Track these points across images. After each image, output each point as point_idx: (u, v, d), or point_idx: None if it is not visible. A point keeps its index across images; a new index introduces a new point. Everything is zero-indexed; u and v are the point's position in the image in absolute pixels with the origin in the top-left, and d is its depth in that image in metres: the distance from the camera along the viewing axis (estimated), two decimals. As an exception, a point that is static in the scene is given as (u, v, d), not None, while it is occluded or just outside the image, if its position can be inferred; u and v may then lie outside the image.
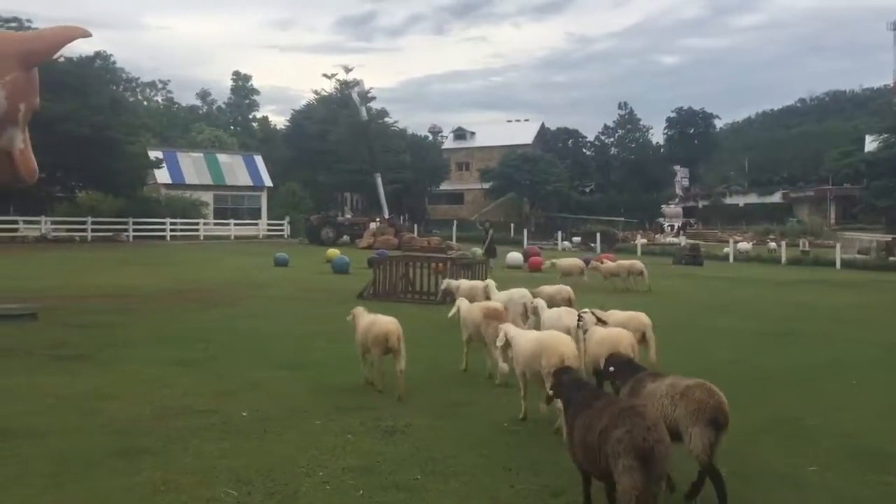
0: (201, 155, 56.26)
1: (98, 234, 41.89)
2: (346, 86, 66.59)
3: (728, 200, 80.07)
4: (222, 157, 56.62)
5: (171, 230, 45.97)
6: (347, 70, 67.34)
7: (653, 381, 5.58)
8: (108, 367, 9.18)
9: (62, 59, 42.11)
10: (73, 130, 38.33)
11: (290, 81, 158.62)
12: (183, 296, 17.20)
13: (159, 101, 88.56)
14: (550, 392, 5.64)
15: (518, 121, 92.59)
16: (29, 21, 43.69)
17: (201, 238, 47.01)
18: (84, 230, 41.76)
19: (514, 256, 31.86)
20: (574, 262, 22.99)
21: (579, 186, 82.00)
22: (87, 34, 14.48)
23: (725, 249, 42.88)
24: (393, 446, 6.49)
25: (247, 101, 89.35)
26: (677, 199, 79.61)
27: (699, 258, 36.48)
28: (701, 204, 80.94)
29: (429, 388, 8.52)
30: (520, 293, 11.51)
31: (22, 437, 6.33)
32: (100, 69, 45.95)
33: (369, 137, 50.29)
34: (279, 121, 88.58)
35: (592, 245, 47.94)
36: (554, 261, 23.13)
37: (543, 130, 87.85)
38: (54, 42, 14.22)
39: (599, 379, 7.06)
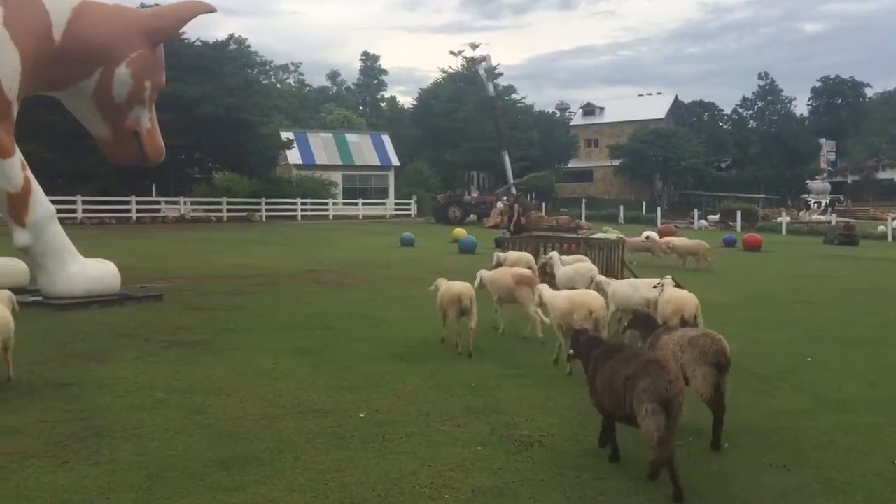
0: (331, 135, 56.91)
1: (233, 213, 42.96)
2: (472, 62, 65.69)
3: (880, 175, 74.14)
4: (351, 137, 57.04)
5: (302, 210, 46.65)
6: (474, 47, 66.28)
7: (667, 333, 6.45)
8: (222, 355, 8.65)
9: (199, 43, 43.33)
10: (209, 113, 39.28)
11: (416, 62, 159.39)
12: (307, 277, 16.82)
13: (291, 83, 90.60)
14: (570, 352, 6.25)
15: (650, 94, 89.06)
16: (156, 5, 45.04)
17: (330, 217, 47.50)
18: (220, 210, 42.92)
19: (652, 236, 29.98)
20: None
21: (715, 162, 78.03)
22: (211, 9, 14.12)
23: (881, 228, 39.29)
24: (530, 462, 5.53)
25: (375, 82, 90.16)
26: (824, 175, 74.46)
27: (855, 237, 33.43)
28: (850, 179, 75.35)
29: (567, 389, 7.48)
30: (586, 267, 11.69)
31: (123, 438, 5.76)
32: (234, 52, 46.95)
33: (496, 114, 49.17)
34: (406, 101, 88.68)
35: (732, 223, 45.17)
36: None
37: (677, 104, 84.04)
38: (179, 18, 13.94)
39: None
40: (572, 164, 76.53)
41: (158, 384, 7.31)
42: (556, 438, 6.06)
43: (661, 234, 30.16)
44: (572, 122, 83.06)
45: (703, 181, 70.96)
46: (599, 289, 9.85)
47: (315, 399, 6.98)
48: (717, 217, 50.22)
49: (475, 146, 58.11)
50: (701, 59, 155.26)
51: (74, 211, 35.53)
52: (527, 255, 14.68)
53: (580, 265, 11.90)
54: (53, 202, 12.30)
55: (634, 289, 9.74)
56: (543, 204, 54.24)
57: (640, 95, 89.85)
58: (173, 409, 6.52)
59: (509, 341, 9.87)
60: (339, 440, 5.88)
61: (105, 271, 12.34)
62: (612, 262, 17.35)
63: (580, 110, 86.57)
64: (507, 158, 47.94)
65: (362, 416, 6.51)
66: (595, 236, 22.42)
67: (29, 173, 11.77)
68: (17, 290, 12.77)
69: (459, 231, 30.65)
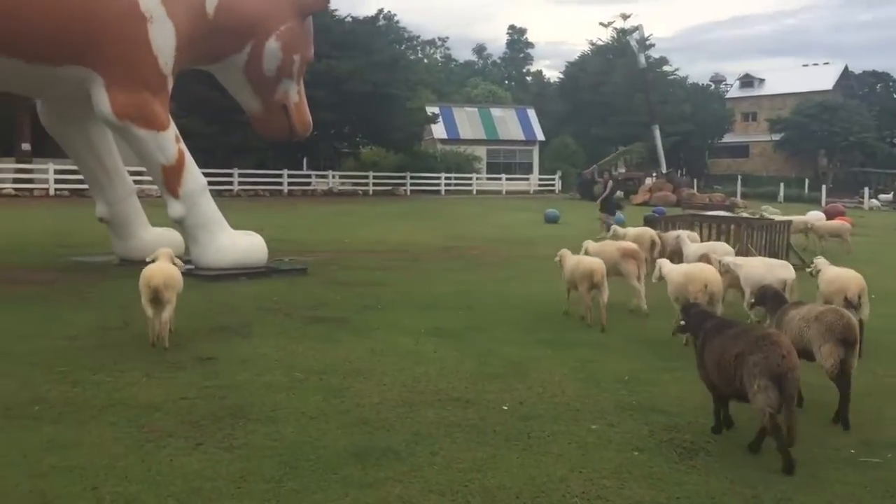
0: (476, 110, 56.56)
1: (378, 188, 43.56)
2: (623, 34, 63.44)
3: None
4: (496, 112, 56.49)
5: (446, 184, 46.70)
6: (625, 17, 64.09)
7: (794, 308, 6.41)
8: (363, 334, 8.41)
9: (349, 19, 43.94)
10: (357, 88, 39.76)
11: (564, 35, 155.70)
12: (449, 253, 16.52)
13: (438, 58, 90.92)
14: (682, 323, 6.09)
15: (815, 65, 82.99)
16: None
17: (474, 193, 47.29)
18: (366, 184, 43.62)
19: (815, 215, 27.69)
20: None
21: (889, 137, 71.92)
22: (357, -20, 13.88)
23: None
24: (696, 474, 4.87)
25: (521, 56, 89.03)
26: None
27: None
28: None
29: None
30: (723, 248, 11.12)
31: (258, 420, 5.55)
32: (383, 28, 47.34)
33: (647, 87, 47.15)
34: (552, 75, 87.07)
35: (908, 204, 41.47)
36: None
37: (846, 75, 77.90)
38: (327, -10, 13.79)
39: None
40: (727, 138, 72.71)
41: (297, 363, 7.12)
42: (724, 446, 5.36)
43: (829, 215, 27.88)
44: (728, 95, 78.82)
45: (875, 158, 65.55)
46: (727, 269, 9.25)
47: (455, 387, 6.56)
48: (890, 196, 46.25)
49: (623, 120, 56.22)
50: (874, 27, 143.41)
51: (231, 183, 36.99)
52: (650, 231, 13.92)
53: (715, 244, 11.38)
54: (210, 175, 12.56)
55: (769, 268, 9.21)
56: (695, 181, 51.80)
57: (805, 66, 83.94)
58: (311, 391, 6.28)
59: (662, 329, 9.10)
60: (481, 435, 5.43)
61: (253, 244, 12.47)
62: (777, 245, 16.03)
63: (737, 82, 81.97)
64: (657, 133, 45.98)
65: (505, 408, 6.03)
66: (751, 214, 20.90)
67: (183, 146, 12.00)
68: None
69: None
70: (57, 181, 33.47)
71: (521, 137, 54.81)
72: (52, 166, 33.16)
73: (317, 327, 8.69)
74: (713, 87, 78.73)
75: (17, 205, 28.23)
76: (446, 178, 46.93)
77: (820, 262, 8.70)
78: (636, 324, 9.41)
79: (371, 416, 5.73)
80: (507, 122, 55.13)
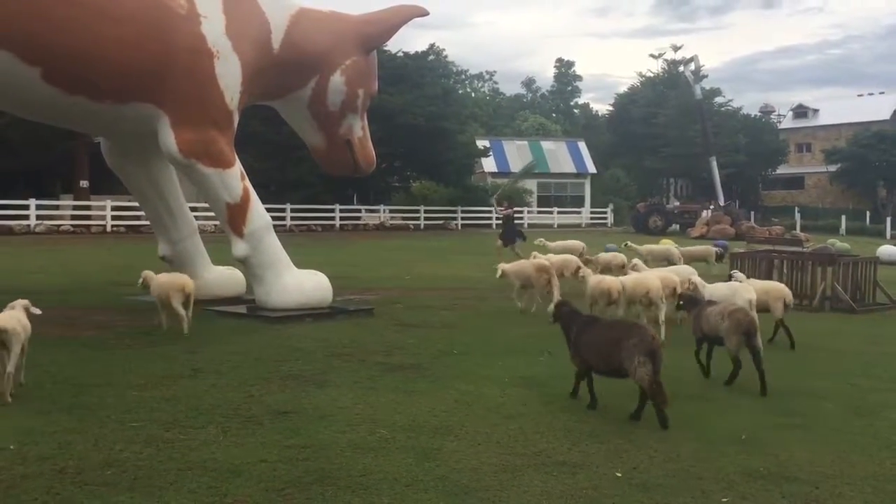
0: (525, 142, 56.26)
1: (429, 221, 43.28)
2: (673, 65, 62.77)
3: None
4: (546, 144, 56.12)
5: (497, 218, 46.22)
6: (676, 48, 63.31)
7: (710, 306, 8.33)
8: (443, 383, 7.86)
9: (400, 54, 44.08)
10: (408, 122, 39.75)
11: (608, 68, 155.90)
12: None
13: (486, 91, 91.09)
14: (552, 320, 7.76)
15: (871, 95, 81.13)
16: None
17: (525, 226, 46.72)
18: (417, 218, 43.37)
19: (889, 251, 26.46)
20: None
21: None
22: (423, 12, 13.63)
23: None
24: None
25: (569, 88, 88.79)
26: None
27: None
28: None
29: (867, 450, 6.00)
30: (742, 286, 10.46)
31: (348, 488, 5.01)
32: (433, 62, 47.42)
33: (703, 118, 46.25)
34: (598, 107, 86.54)
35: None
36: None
37: (905, 104, 75.87)
38: (392, 23, 13.54)
39: None
40: (781, 170, 71.20)
41: (380, 418, 6.59)
42: (881, 526, 4.68)
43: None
44: (781, 126, 77.36)
45: (938, 188, 63.54)
46: (695, 289, 10.33)
47: (556, 447, 5.96)
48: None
49: (676, 152, 55.36)
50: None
51: (284, 218, 36.99)
52: (619, 257, 15.94)
53: (737, 284, 10.70)
54: (265, 210, 12.17)
55: (733, 291, 10.12)
56: (752, 213, 50.57)
57: (860, 96, 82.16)
58: (400, 452, 5.74)
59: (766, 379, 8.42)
60: (597, 508, 4.83)
61: (318, 283, 12.07)
62: (861, 281, 15.17)
63: (790, 113, 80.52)
64: (714, 165, 44.98)
65: (619, 475, 5.41)
66: (821, 248, 19.94)
67: (248, 184, 11.70)
68: (233, 300, 12.92)
69: (666, 242, 28.74)
70: (113, 217, 33.81)
71: (573, 170, 54.26)
72: (109, 203, 33.52)
73: (393, 376, 8.17)
74: (763, 117, 77.40)
75: (75, 241, 28.45)
76: (497, 212, 46.47)
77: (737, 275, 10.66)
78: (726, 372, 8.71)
79: (472, 484, 5.16)
80: (558, 155, 54.66)
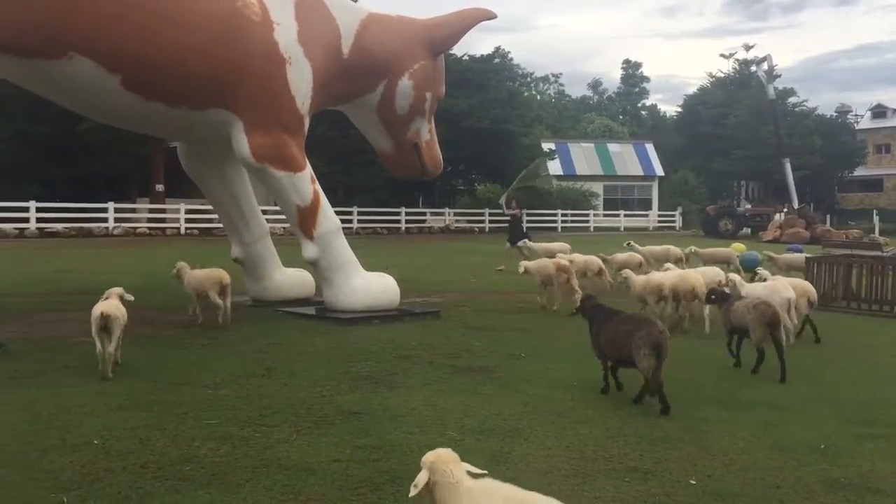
0: (592, 145, 55.78)
1: (494, 225, 43.22)
2: (745, 65, 61.38)
3: None
4: (613, 147, 55.55)
5: (562, 221, 45.94)
6: (748, 48, 61.89)
7: (737, 300, 9.00)
8: (511, 386, 7.84)
9: (466, 57, 44.18)
10: (474, 125, 39.84)
11: (675, 69, 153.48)
12: (585, 293, 15.75)
13: (551, 94, 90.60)
14: (575, 310, 8.41)
15: (955, 92, 77.97)
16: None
17: (591, 230, 46.31)
18: (482, 221, 43.38)
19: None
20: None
21: None
22: (492, 15, 13.65)
23: None
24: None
25: (636, 90, 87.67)
26: None
27: None
28: None
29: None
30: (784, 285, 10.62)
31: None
32: (498, 65, 47.39)
33: (776, 119, 45.09)
34: (666, 109, 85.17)
35: None
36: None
37: None
38: (461, 27, 13.59)
39: None
40: (858, 172, 68.91)
41: (450, 419, 6.61)
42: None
43: None
44: (859, 126, 74.87)
45: None
46: (734, 288, 10.47)
47: (628, 453, 5.89)
48: None
49: (747, 154, 54.07)
50: None
51: (350, 221, 37.45)
52: (636, 257, 16.34)
53: (776, 283, 10.97)
54: (334, 213, 12.35)
55: (771, 290, 10.19)
56: (827, 216, 49.06)
57: (944, 94, 78.97)
58: (470, 455, 5.67)
59: (847, 390, 8.16)
60: (672, 516, 4.75)
61: (386, 286, 12.18)
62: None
63: (868, 113, 77.88)
64: (788, 167, 43.82)
65: (693, 482, 5.32)
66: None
67: (318, 187, 11.88)
68: (303, 301, 13.13)
69: (738, 246, 28.05)
70: (187, 220, 34.76)
71: (640, 173, 53.56)
72: (183, 206, 34.46)
73: (462, 378, 8.19)
74: (839, 118, 75.02)
75: (151, 243, 29.33)
76: (563, 215, 46.18)
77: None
78: (815, 383, 8.47)
79: (543, 489, 5.05)
80: (625, 158, 54.03)
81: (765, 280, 11.76)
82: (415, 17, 13.71)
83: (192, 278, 11.09)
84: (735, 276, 11.16)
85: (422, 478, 3.44)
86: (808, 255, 17.04)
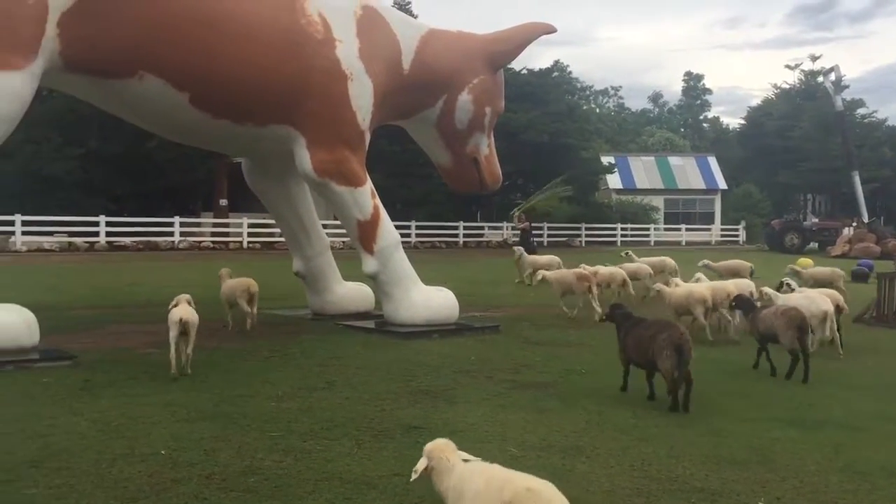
0: (652, 158, 55.13)
1: (553, 238, 43.01)
2: (811, 76, 60.00)
3: None
4: (674, 160, 54.79)
5: (622, 235, 45.44)
6: (814, 58, 60.52)
7: (765, 308, 9.48)
8: (572, 402, 7.76)
9: (524, 71, 44.19)
10: (532, 139, 39.78)
11: (737, 80, 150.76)
12: (649, 308, 15.50)
13: (610, 107, 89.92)
14: (604, 318, 8.67)
15: None
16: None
17: (651, 244, 45.69)
18: (540, 235, 43.16)
19: None
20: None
21: None
22: (552, 29, 13.63)
23: None
24: None
25: (698, 102, 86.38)
26: None
27: None
28: None
29: None
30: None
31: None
32: (557, 79, 47.28)
33: (844, 130, 43.89)
34: (729, 121, 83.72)
35: None
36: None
37: None
38: (520, 41, 13.60)
39: None
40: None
41: (510, 435, 6.57)
42: None
43: None
44: (933, 137, 72.30)
45: None
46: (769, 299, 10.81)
47: (693, 473, 5.75)
48: None
49: (814, 167, 52.82)
50: None
51: (409, 235, 37.67)
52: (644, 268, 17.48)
53: (813, 293, 11.21)
54: (394, 227, 12.44)
55: (809, 301, 10.30)
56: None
57: None
58: (531, 471, 5.57)
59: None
60: (741, 539, 4.62)
61: (445, 300, 12.18)
62: None
63: (943, 123, 75.19)
64: (857, 180, 42.56)
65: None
66: None
67: (378, 202, 11.98)
68: (362, 315, 13.23)
69: (805, 261, 27.35)
70: (250, 234, 35.43)
71: (702, 186, 52.69)
72: (245, 220, 35.15)
73: (522, 393, 8.14)
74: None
75: (214, 257, 29.92)
76: (622, 229, 45.68)
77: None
78: (886, 401, 8.18)
79: (605, 508, 5.06)
80: (687, 171, 53.23)
81: (792, 291, 11.93)
82: (475, 32, 13.77)
83: (226, 287, 11.74)
84: (769, 289, 11.38)
85: (421, 464, 4.03)
86: (880, 272, 16.48)
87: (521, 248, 22.75)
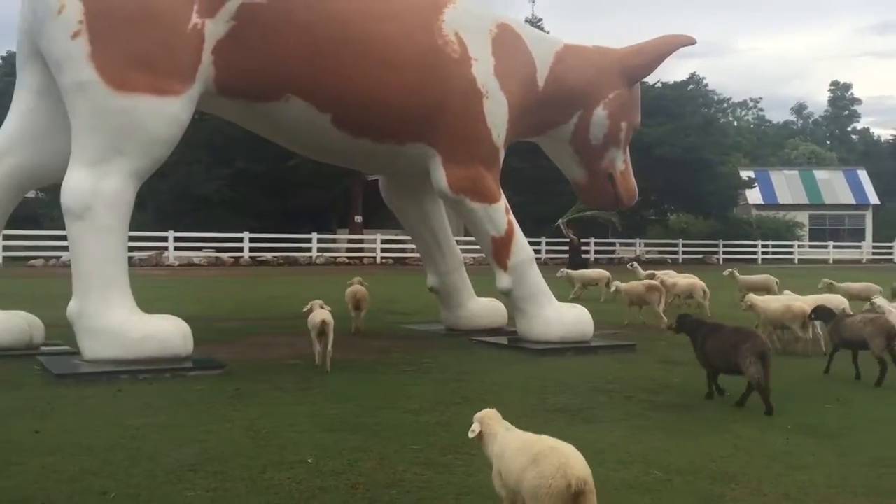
0: (796, 172, 52.65)
1: (688, 255, 41.74)
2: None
3: None
4: (820, 174, 52.07)
5: (763, 253, 43.52)
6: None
7: (848, 317, 9.84)
8: (717, 426, 7.45)
9: (658, 84, 43.26)
10: (667, 153, 38.83)
11: (889, 89, 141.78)
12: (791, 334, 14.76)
13: (749, 119, 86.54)
14: (673, 327, 9.14)
15: None
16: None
17: (795, 262, 43.50)
18: (675, 252, 42.00)
19: None
20: None
21: None
22: (691, 41, 13.30)
23: None
24: None
25: (846, 113, 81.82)
26: None
27: None
28: None
29: None
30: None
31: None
32: (693, 92, 45.96)
33: None
34: (881, 132, 78.76)
35: None
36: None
37: None
38: (659, 54, 13.34)
39: None
40: None
41: (653, 458, 6.37)
42: None
43: None
44: None
45: None
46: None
47: (850, 499, 5.39)
48: None
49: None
50: None
51: (539, 252, 37.51)
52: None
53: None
54: (527, 243, 12.40)
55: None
56: None
57: None
58: (679, 496, 5.49)
59: None
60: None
61: (580, 317, 12.02)
62: None
63: None
64: None
65: (935, 544, 4.78)
66: None
67: (512, 218, 12.00)
68: (495, 331, 13.24)
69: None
70: (383, 250, 36.28)
71: (851, 201, 49.81)
72: (379, 237, 36.04)
73: (663, 414, 7.89)
74: None
75: (350, 272, 30.74)
76: (763, 246, 43.75)
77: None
78: None
79: (760, 538, 4.81)
80: (834, 185, 50.50)
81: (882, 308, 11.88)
82: (607, 47, 13.60)
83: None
84: (881, 301, 12.02)
85: (475, 427, 4.66)
86: None
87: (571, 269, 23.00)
